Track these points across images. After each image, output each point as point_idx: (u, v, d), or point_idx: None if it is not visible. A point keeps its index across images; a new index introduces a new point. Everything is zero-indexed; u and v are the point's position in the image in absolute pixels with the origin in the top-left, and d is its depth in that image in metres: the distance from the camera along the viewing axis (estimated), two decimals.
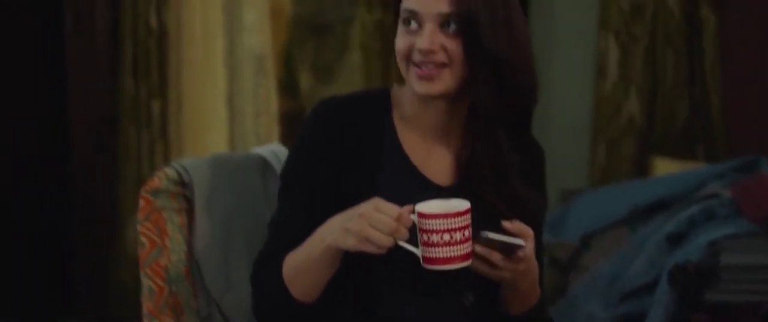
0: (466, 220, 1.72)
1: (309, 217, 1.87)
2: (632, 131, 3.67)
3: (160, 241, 2.12)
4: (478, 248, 1.76)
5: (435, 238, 1.71)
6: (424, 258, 1.73)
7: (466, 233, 1.72)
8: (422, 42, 1.81)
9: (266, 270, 1.88)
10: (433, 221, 1.71)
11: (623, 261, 3.06)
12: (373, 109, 1.94)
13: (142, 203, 2.12)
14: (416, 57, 1.83)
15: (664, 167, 3.50)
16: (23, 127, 4.30)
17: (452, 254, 1.71)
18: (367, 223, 1.72)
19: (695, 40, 3.56)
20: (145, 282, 2.10)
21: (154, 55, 4.28)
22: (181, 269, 2.14)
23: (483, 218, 1.82)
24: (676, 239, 2.93)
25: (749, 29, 3.49)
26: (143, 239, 2.11)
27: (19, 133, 4.29)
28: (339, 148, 1.90)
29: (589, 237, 3.30)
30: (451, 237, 1.71)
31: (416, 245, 1.75)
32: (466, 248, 1.72)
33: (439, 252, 1.71)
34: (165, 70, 4.30)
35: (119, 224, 4.32)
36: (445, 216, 1.71)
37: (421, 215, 1.72)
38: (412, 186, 1.90)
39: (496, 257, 1.76)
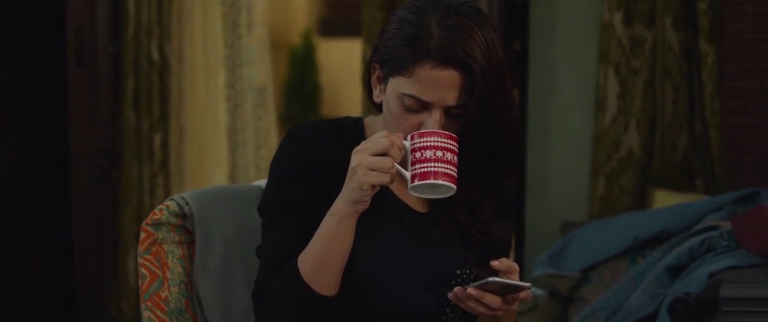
0: (454, 145, 1.83)
1: (304, 241, 1.89)
2: (632, 164, 3.68)
3: (160, 273, 2.13)
4: (472, 291, 1.81)
5: (428, 154, 1.81)
6: (412, 177, 1.82)
7: (454, 157, 1.82)
8: (431, 129, 1.86)
9: (277, 282, 1.89)
10: (428, 138, 1.82)
11: (623, 293, 3.05)
12: (347, 137, 1.98)
13: (142, 235, 2.13)
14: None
15: (664, 200, 3.50)
16: (25, 159, 4.31)
17: (440, 170, 1.81)
18: (365, 152, 1.80)
19: (694, 73, 3.57)
20: (146, 315, 2.11)
21: (156, 88, 4.29)
22: (182, 300, 2.14)
23: (460, 243, 1.96)
24: (676, 271, 2.93)
25: (746, 61, 3.50)
26: (144, 272, 2.12)
27: (21, 165, 4.30)
28: (317, 170, 1.93)
29: (589, 269, 3.30)
30: (443, 155, 1.81)
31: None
32: (453, 170, 1.82)
33: (429, 167, 1.81)
34: (166, 103, 4.31)
35: (120, 256, 4.32)
36: (439, 134, 1.82)
37: (413, 136, 1.83)
38: (389, 211, 1.93)
39: (489, 299, 1.82)
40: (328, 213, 1.86)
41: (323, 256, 1.86)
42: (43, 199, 4.36)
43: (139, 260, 2.12)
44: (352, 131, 2.01)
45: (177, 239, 2.15)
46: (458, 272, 1.95)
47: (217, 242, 2.14)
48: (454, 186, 1.82)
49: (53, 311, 4.35)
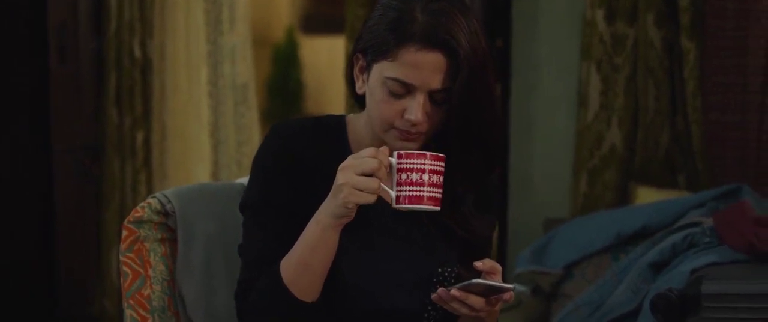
0: (441, 167, 1.82)
1: (288, 239, 1.89)
2: (614, 160, 3.69)
3: (142, 271, 2.12)
4: (456, 293, 1.82)
5: (414, 177, 1.81)
6: (397, 198, 1.82)
7: (440, 179, 1.82)
8: (414, 114, 1.86)
9: (260, 284, 1.89)
10: (412, 160, 1.81)
11: (606, 289, 3.06)
12: (330, 135, 1.98)
13: (124, 233, 2.12)
14: (402, 124, 1.88)
15: (646, 196, 3.51)
16: (6, 156, 4.29)
17: (426, 194, 1.81)
18: (352, 171, 1.79)
19: (676, 70, 3.58)
20: (128, 313, 2.10)
21: (138, 84, 4.28)
22: (164, 299, 2.13)
23: (442, 240, 1.95)
24: (658, 267, 2.94)
25: (728, 58, 3.51)
26: (126, 269, 2.11)
27: (2, 162, 4.28)
28: (301, 168, 1.93)
29: (572, 266, 3.30)
30: (430, 178, 1.81)
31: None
32: (437, 192, 1.82)
33: (413, 190, 1.81)
34: (149, 100, 4.30)
35: (103, 253, 4.31)
36: (424, 155, 1.81)
37: (400, 155, 1.82)
38: (371, 209, 1.93)
39: (473, 300, 1.82)
40: (312, 221, 1.86)
41: (305, 262, 1.86)
42: (25, 195, 4.34)
43: (121, 257, 2.12)
44: (335, 129, 2.00)
45: (159, 236, 2.15)
46: (440, 269, 1.95)
47: (199, 239, 2.14)
48: (438, 208, 1.83)
49: (36, 308, 4.34)
